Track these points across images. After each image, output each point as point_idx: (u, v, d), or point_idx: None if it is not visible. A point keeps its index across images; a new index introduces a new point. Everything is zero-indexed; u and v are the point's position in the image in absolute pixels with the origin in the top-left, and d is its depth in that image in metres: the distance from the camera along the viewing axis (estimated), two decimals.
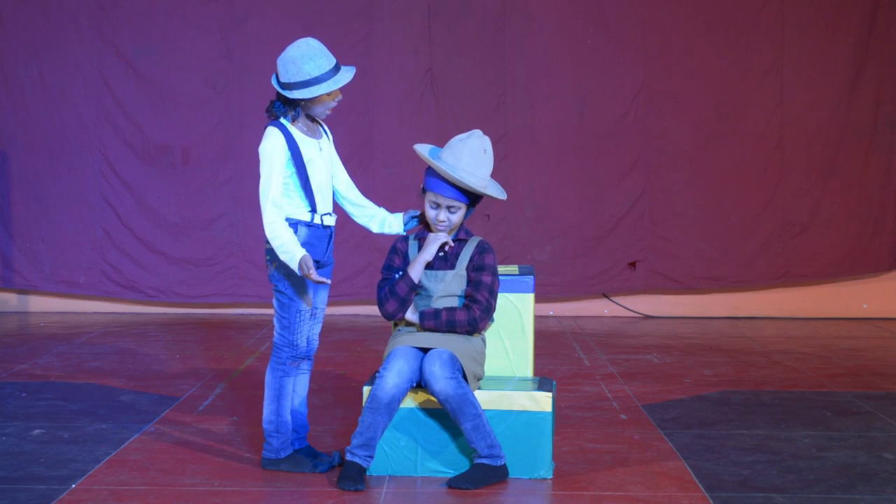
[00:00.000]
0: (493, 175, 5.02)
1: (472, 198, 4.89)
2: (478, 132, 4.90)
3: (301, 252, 4.65)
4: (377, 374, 4.79)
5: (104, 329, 8.79)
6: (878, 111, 9.43)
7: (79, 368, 7.20)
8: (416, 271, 4.88)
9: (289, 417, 4.90)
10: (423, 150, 4.92)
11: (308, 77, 4.68)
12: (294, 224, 4.78)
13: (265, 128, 4.80)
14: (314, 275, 4.62)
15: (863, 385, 6.83)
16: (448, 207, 4.86)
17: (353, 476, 4.68)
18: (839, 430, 5.69)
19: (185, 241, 9.45)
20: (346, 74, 4.76)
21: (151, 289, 9.48)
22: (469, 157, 4.81)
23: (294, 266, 4.66)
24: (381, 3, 9.40)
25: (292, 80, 4.70)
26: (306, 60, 4.67)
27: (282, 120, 4.79)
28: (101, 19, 9.35)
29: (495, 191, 4.96)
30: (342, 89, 4.84)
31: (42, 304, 9.70)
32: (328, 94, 4.76)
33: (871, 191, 9.49)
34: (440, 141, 4.97)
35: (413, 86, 9.42)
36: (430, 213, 4.90)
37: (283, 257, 4.69)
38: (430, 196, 4.87)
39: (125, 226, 9.42)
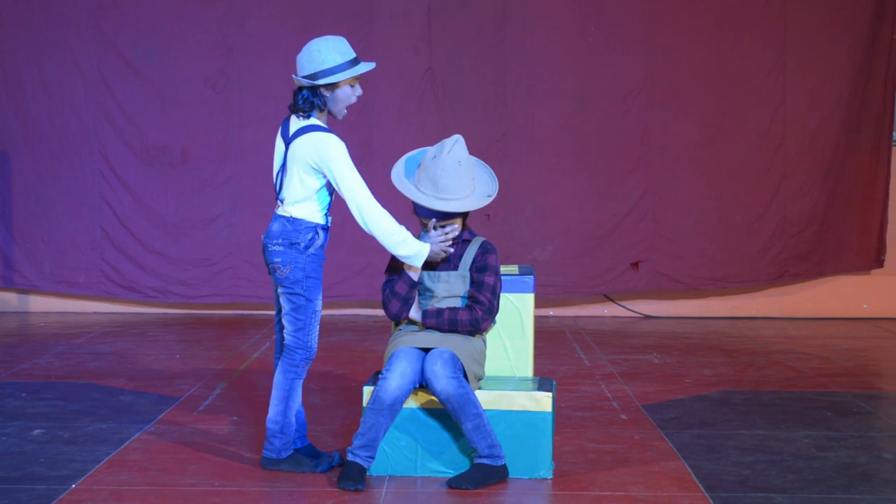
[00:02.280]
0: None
1: None
2: (448, 143, 4.83)
3: (426, 245, 4.75)
4: (380, 375, 4.79)
5: (104, 329, 8.78)
6: (879, 111, 9.42)
7: (79, 368, 7.19)
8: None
9: (293, 419, 4.89)
10: (401, 186, 4.86)
11: (333, 64, 4.69)
12: (313, 228, 4.76)
13: (301, 131, 4.70)
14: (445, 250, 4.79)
15: (863, 385, 6.83)
16: (442, 225, 4.87)
17: (353, 476, 4.68)
18: (839, 430, 5.69)
19: (184, 241, 9.44)
20: (367, 65, 4.79)
21: (150, 289, 9.47)
22: (446, 178, 4.77)
23: (419, 261, 4.73)
24: (381, 2, 9.39)
25: (317, 70, 4.70)
26: (330, 50, 4.70)
27: (316, 121, 4.75)
28: (101, 19, 9.35)
29: (483, 193, 4.91)
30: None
31: (42, 304, 9.70)
32: (350, 85, 4.76)
33: (867, 190, 9.48)
34: (439, 141, 4.93)
35: (413, 85, 9.41)
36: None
37: (402, 252, 4.73)
38: (421, 219, 4.87)
39: (124, 226, 9.42)
